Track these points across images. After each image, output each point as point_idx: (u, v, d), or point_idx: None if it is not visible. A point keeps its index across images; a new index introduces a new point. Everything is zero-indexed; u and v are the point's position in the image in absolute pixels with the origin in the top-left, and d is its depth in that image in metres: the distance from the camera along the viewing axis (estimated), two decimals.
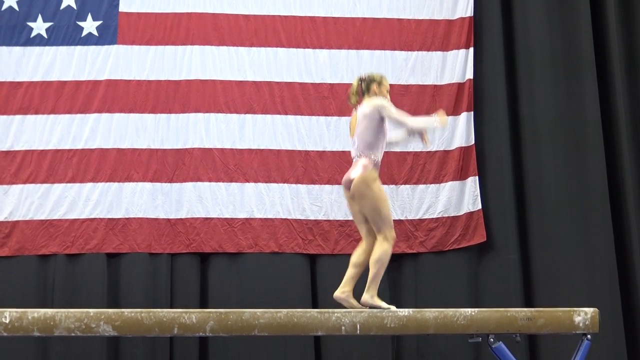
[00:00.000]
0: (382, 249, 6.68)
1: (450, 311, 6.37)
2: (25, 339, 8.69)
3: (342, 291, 6.71)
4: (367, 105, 6.79)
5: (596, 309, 6.52)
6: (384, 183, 9.61)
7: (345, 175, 6.82)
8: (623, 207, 9.75)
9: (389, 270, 9.61)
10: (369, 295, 6.57)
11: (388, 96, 6.91)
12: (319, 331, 6.22)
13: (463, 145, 9.80)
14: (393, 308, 6.44)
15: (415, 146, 9.70)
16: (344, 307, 6.56)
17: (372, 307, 6.48)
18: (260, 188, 9.64)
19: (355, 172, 6.72)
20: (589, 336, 6.49)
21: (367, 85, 6.91)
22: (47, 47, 9.71)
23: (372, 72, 7.04)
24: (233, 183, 9.62)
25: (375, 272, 6.65)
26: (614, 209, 9.72)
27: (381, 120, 6.74)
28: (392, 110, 6.73)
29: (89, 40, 9.74)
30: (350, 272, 6.79)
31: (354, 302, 6.64)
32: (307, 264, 9.62)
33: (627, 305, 9.56)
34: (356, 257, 6.84)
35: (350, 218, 9.53)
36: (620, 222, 9.74)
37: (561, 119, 9.89)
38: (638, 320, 9.55)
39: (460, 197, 9.71)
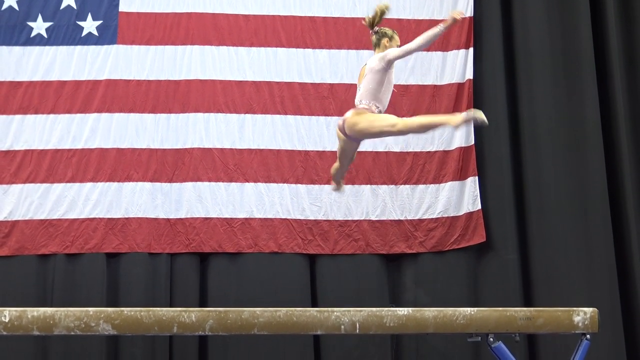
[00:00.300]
0: (408, 125, 6.75)
1: (449, 310, 6.36)
2: (24, 338, 8.71)
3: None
4: (374, 60, 6.85)
5: (595, 309, 6.52)
6: (383, 183, 9.70)
7: (339, 120, 6.95)
8: (623, 207, 9.76)
9: (387, 270, 9.69)
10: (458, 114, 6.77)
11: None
12: (318, 330, 6.21)
13: (463, 145, 9.81)
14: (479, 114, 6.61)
15: (415, 146, 9.72)
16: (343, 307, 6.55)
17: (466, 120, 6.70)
18: (259, 188, 9.64)
19: (347, 114, 6.85)
20: (588, 336, 6.48)
21: (378, 39, 6.97)
22: (47, 47, 9.71)
23: (385, 28, 7.05)
24: (233, 183, 9.62)
25: (434, 122, 6.83)
26: (613, 209, 9.73)
27: (384, 70, 6.78)
28: (394, 51, 6.78)
29: (89, 40, 9.74)
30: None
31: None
32: (306, 264, 9.62)
33: (626, 305, 9.56)
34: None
35: (350, 218, 9.63)
36: (620, 222, 9.75)
37: (561, 119, 9.89)
38: (637, 320, 9.55)
39: (460, 197, 9.71)
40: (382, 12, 7.00)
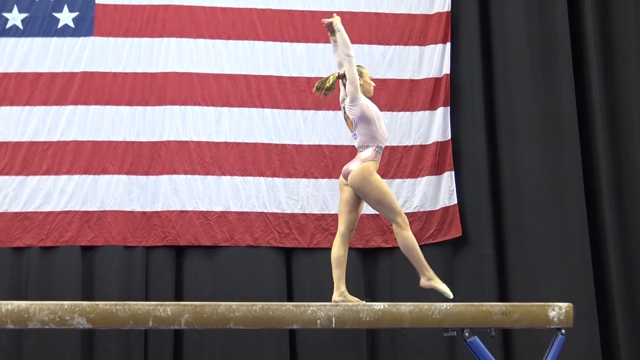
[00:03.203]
0: (403, 237, 6.75)
1: (425, 305, 6.37)
2: None
3: (339, 293, 6.58)
4: (349, 110, 6.76)
5: (570, 304, 6.55)
6: None
7: (345, 167, 6.79)
8: (598, 202, 9.81)
9: (364, 264, 9.69)
10: (426, 278, 6.69)
11: (372, 83, 6.92)
12: (295, 324, 6.21)
13: (439, 140, 9.82)
14: (450, 295, 6.58)
15: (392, 140, 9.71)
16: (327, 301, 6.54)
17: (433, 288, 6.62)
18: (236, 181, 9.62)
19: (353, 165, 6.71)
20: (563, 331, 6.52)
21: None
22: (22, 38, 9.66)
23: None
24: (209, 176, 9.60)
25: (415, 259, 6.74)
26: (589, 204, 9.77)
27: (366, 111, 6.71)
28: (351, 88, 6.68)
29: (65, 31, 9.69)
30: (337, 274, 6.65)
31: (351, 298, 6.58)
32: (282, 258, 9.61)
33: (601, 300, 9.61)
34: (335, 252, 6.71)
35: (327, 212, 9.62)
36: (595, 216, 9.79)
37: (537, 114, 9.93)
38: (612, 314, 9.60)
39: (436, 192, 9.73)
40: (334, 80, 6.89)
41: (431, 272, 6.72)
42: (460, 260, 9.75)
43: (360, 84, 6.78)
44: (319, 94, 6.91)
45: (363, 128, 6.74)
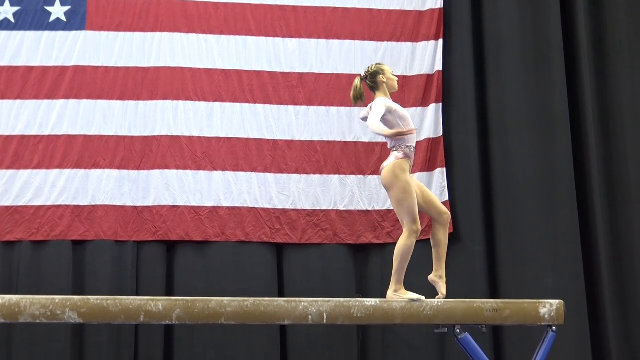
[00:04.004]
0: (403, 243, 6.73)
1: (417, 302, 6.39)
2: None
3: (435, 275, 6.85)
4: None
5: (561, 301, 6.57)
6: (351, 173, 9.70)
7: (382, 165, 6.86)
8: (589, 198, 9.82)
9: (355, 260, 9.69)
10: (392, 291, 6.61)
11: (395, 78, 6.97)
12: (286, 320, 6.22)
13: (431, 136, 9.82)
14: (423, 298, 6.46)
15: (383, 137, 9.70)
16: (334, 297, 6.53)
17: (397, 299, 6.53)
18: (227, 176, 9.61)
19: (387, 162, 6.76)
20: (554, 328, 6.54)
21: (373, 82, 6.91)
22: (14, 32, 9.62)
23: (369, 67, 7.02)
24: (200, 171, 9.59)
25: (396, 267, 6.68)
26: (580, 201, 9.79)
27: (389, 115, 6.73)
28: (375, 107, 6.72)
29: (57, 25, 9.66)
30: (434, 254, 6.96)
31: (441, 287, 6.74)
32: (274, 253, 9.61)
33: (592, 297, 9.63)
34: (432, 237, 7.02)
35: (318, 208, 9.63)
36: (586, 213, 9.81)
37: (529, 111, 9.94)
38: (602, 311, 9.62)
39: (428, 188, 9.71)
40: (365, 79, 6.97)
41: (401, 285, 6.63)
42: (451, 256, 9.58)
43: (384, 82, 6.88)
44: (356, 104, 7.02)
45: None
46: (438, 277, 6.84)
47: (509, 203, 9.78)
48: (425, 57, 9.96)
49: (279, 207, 9.63)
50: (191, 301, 6.08)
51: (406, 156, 6.72)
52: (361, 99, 6.92)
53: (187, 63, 9.75)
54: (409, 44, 10.02)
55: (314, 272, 9.60)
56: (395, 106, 6.81)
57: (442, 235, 6.97)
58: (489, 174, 9.90)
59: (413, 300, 6.44)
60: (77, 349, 9.22)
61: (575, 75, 10.05)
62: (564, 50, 10.01)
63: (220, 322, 6.11)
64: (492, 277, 9.68)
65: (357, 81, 6.95)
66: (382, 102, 6.74)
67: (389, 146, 6.84)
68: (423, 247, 9.52)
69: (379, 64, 7.01)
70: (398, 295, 6.54)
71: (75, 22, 9.68)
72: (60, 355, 9.13)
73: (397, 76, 7.05)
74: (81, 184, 9.44)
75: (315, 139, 9.78)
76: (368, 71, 6.95)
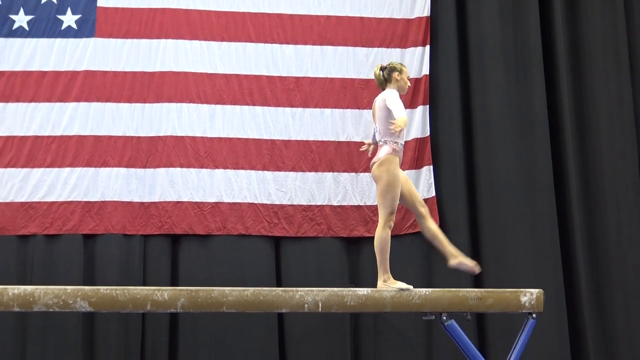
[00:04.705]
0: (379, 235, 6.74)
1: (406, 291, 6.41)
2: (4, 314, 8.64)
3: (452, 259, 6.94)
4: (381, 98, 6.86)
5: (541, 290, 6.60)
6: (344, 171, 9.71)
7: (372, 161, 6.89)
8: (567, 195, 9.86)
9: (348, 252, 9.70)
10: (381, 282, 6.64)
11: (408, 82, 7.04)
12: (284, 308, 6.23)
13: (419, 136, 9.83)
14: (411, 287, 6.48)
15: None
16: (333, 287, 6.54)
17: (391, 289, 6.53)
18: (228, 174, 9.62)
19: (376, 156, 6.80)
20: (534, 315, 6.56)
21: (388, 74, 6.96)
22: (28, 39, 9.61)
23: (392, 62, 7.09)
24: (203, 169, 9.59)
25: (379, 259, 6.72)
26: (558, 197, 9.82)
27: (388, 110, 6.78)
28: (392, 100, 6.74)
29: (68, 33, 9.65)
30: (437, 245, 7.04)
31: (466, 261, 6.91)
32: (272, 246, 9.61)
33: (569, 286, 9.66)
34: (425, 232, 7.05)
35: (313, 203, 9.64)
36: (564, 209, 9.84)
37: (511, 113, 9.96)
38: (579, 300, 9.64)
39: (416, 185, 9.71)
40: (383, 70, 7.03)
41: (388, 275, 6.66)
42: (437, 249, 9.75)
43: (397, 80, 6.94)
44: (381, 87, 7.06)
45: (381, 125, 6.82)
46: (454, 258, 6.90)
47: (491, 199, 9.79)
48: (413, 62, 9.96)
49: (277, 202, 9.64)
50: (195, 291, 6.10)
51: (395, 152, 6.75)
52: (385, 84, 6.99)
53: (191, 68, 9.74)
54: (398, 49, 10.02)
55: (310, 263, 9.61)
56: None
57: (432, 225, 7.01)
58: (473, 171, 9.92)
59: (402, 289, 6.46)
60: (88, 336, 9.22)
61: (553, 78, 10.08)
62: (543, 54, 10.05)
63: (222, 310, 6.12)
64: None
65: (377, 69, 7.02)
66: (395, 93, 6.83)
67: (377, 138, 6.87)
68: (411, 240, 9.61)
69: (401, 64, 7.08)
70: (388, 285, 6.55)
71: (85, 29, 9.68)
72: (72, 341, 9.13)
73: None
74: (91, 181, 9.44)
75: (311, 139, 9.78)
76: (389, 64, 7.01)
